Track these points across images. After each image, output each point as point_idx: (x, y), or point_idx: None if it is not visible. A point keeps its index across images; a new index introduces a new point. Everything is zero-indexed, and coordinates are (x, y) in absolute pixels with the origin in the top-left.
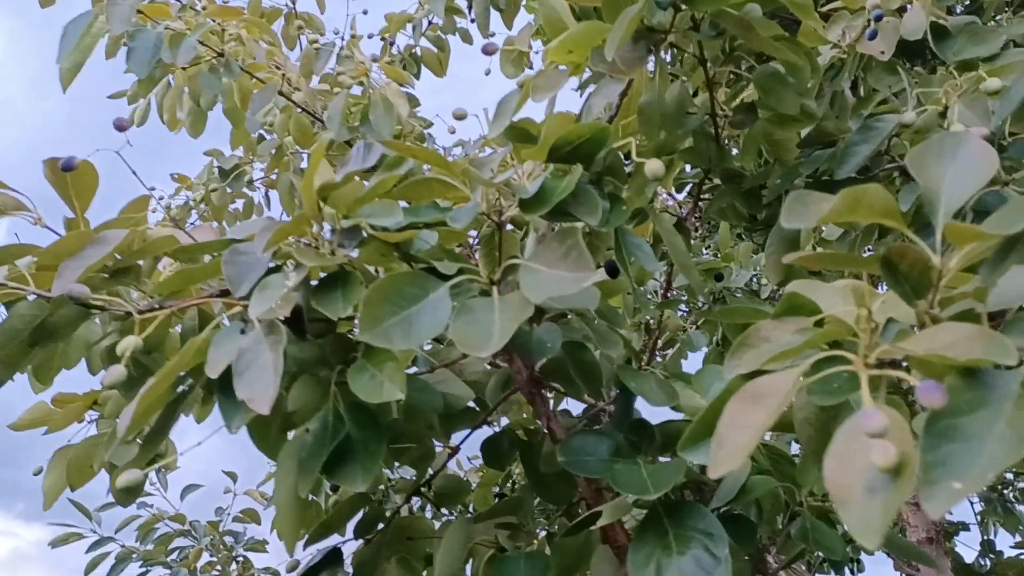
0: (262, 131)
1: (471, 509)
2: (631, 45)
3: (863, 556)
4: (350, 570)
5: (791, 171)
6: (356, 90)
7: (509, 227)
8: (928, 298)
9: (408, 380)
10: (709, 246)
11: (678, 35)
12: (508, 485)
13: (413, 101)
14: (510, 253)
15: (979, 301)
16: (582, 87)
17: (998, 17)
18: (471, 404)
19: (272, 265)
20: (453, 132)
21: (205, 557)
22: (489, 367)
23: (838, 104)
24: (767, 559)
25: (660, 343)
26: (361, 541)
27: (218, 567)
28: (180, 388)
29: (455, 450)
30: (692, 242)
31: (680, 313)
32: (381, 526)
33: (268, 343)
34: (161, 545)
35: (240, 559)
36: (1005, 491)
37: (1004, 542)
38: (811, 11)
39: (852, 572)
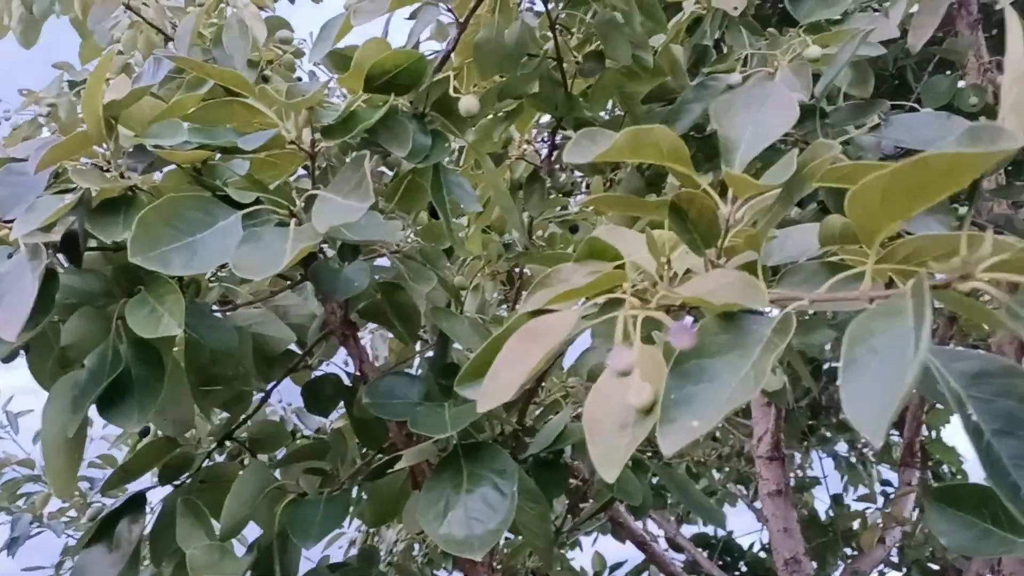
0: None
1: None
2: None
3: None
4: None
5: (634, 123)
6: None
7: None
8: (717, 247)
9: (201, 317)
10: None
11: None
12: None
13: (283, 24)
14: None
15: (752, 249)
16: (412, 16)
17: None
18: (294, 348)
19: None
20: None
21: (56, 503)
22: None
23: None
24: (581, 505)
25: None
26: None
27: (71, 512)
28: None
29: (268, 394)
30: (553, 194)
31: None
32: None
33: (30, 268)
34: (8, 491)
35: (96, 504)
36: (863, 448)
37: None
38: None
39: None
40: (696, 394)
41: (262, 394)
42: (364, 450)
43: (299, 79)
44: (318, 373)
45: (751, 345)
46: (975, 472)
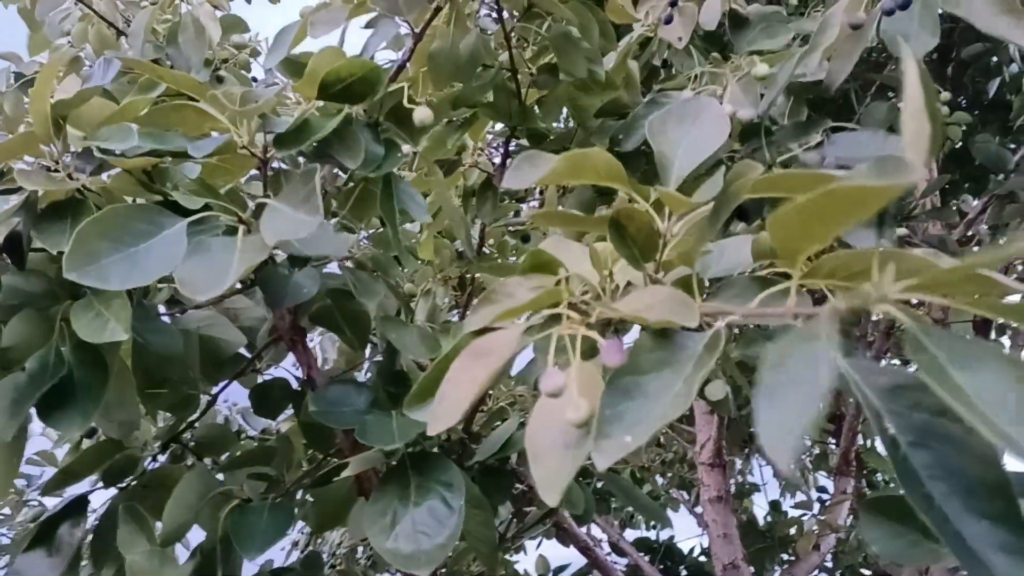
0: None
1: None
2: None
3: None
4: None
5: (588, 138)
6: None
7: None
8: (655, 261)
9: (147, 320)
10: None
11: None
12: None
13: (239, 23)
14: None
15: (686, 264)
16: (370, 25)
17: (801, 11)
18: (243, 351)
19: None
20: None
21: None
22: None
23: (627, 75)
24: (526, 511)
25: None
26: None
27: (5, 511)
28: None
29: (215, 398)
30: (507, 199)
31: None
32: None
33: None
34: None
35: (34, 504)
36: (802, 456)
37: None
38: None
39: (654, 527)
40: (630, 410)
41: (209, 397)
42: (311, 453)
43: (255, 79)
44: (267, 376)
45: (683, 361)
46: None
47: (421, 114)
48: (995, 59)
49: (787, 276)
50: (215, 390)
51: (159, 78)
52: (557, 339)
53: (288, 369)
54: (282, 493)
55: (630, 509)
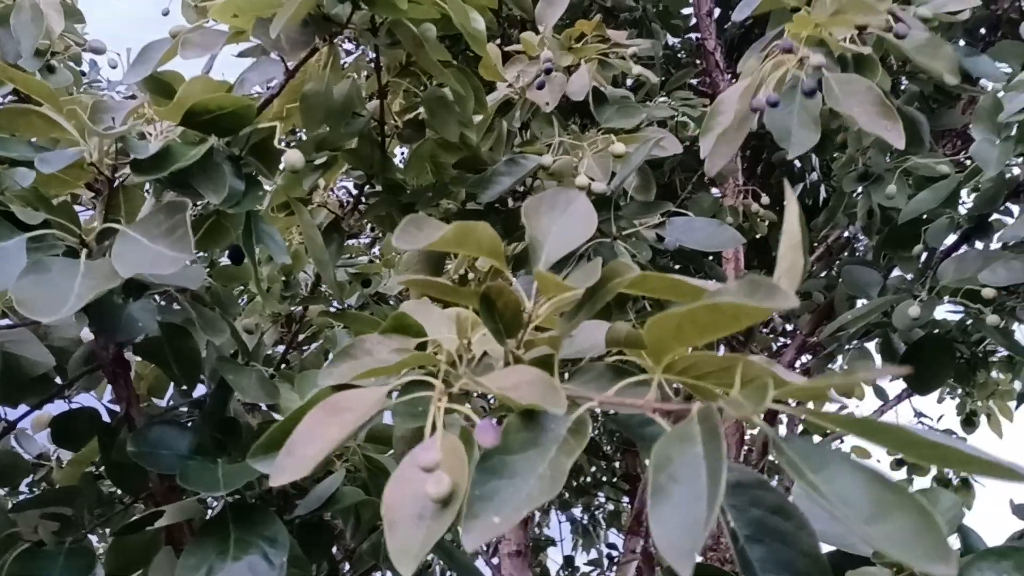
0: None
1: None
2: (300, 27)
3: None
4: None
5: (442, 189)
6: None
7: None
8: (517, 338)
9: None
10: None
11: (356, 32)
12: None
13: (76, 16)
14: (130, 212)
15: (552, 348)
16: (243, 54)
17: (651, 100)
18: (52, 373)
19: None
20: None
21: None
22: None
23: (497, 136)
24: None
25: (301, 337)
26: None
27: None
28: None
29: (11, 425)
30: (354, 243)
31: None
32: None
33: None
34: None
35: None
36: (596, 512)
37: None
38: (482, 43)
39: None
40: (498, 490)
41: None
42: (110, 492)
43: (83, 72)
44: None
45: (548, 443)
46: None
47: (292, 157)
48: (799, 166)
49: (636, 365)
50: (11, 413)
51: (9, 79)
52: (432, 411)
53: (93, 397)
54: (80, 537)
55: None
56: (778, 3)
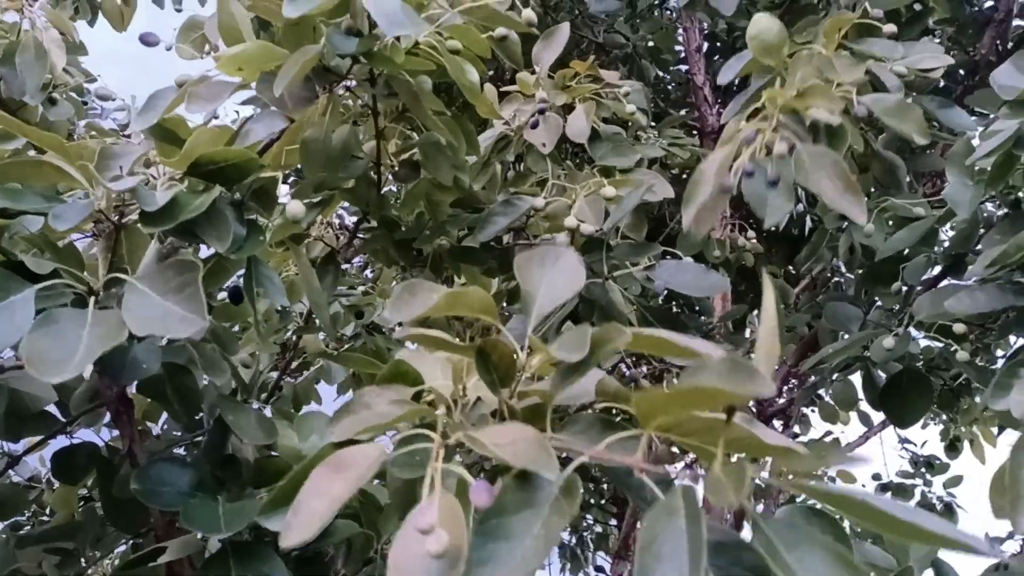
0: None
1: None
2: (303, 84)
3: None
4: None
5: (439, 228)
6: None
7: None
8: (511, 388)
9: None
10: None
11: (354, 82)
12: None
13: (80, 49)
14: (135, 257)
15: (545, 401)
16: (248, 102)
17: (643, 137)
18: (52, 409)
19: None
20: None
21: None
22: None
23: (492, 175)
24: None
25: (294, 365)
26: None
27: None
28: None
29: (14, 460)
30: (346, 275)
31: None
32: None
33: None
34: None
35: None
36: (584, 535)
37: None
38: (477, 93)
39: None
40: (496, 553)
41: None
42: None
43: (85, 103)
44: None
45: (542, 503)
46: None
47: (294, 208)
48: None
49: (625, 413)
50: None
51: (23, 134)
52: (430, 472)
53: (92, 432)
54: (81, 571)
55: None
56: (759, 67)
